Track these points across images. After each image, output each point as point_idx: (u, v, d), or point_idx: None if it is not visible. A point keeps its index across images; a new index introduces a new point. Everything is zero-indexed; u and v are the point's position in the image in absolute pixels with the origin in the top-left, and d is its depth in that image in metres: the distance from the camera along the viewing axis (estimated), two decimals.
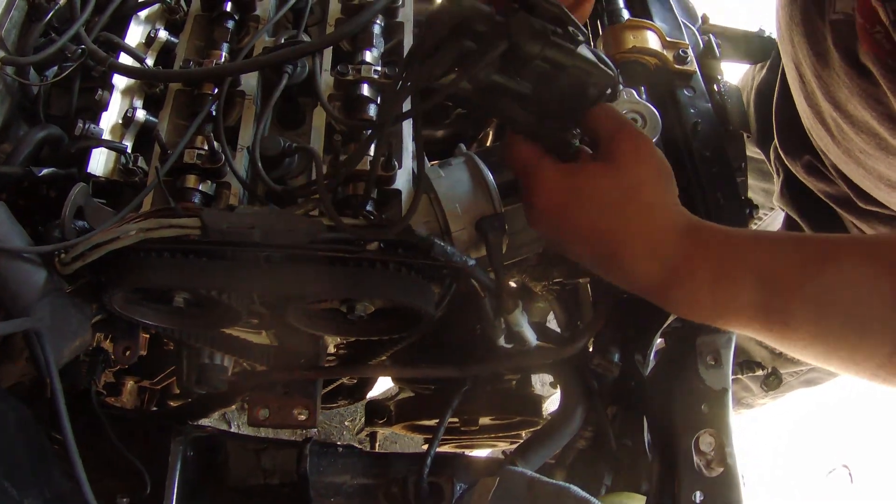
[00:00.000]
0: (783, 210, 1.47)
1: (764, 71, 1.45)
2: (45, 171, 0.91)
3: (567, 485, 0.94)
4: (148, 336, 1.28)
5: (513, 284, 1.29)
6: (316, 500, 1.07)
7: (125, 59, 1.02)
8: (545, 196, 0.83)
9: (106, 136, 0.97)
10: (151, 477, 1.04)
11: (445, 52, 0.78)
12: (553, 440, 1.08)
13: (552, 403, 1.48)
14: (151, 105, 1.03)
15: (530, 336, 1.02)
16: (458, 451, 1.54)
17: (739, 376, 1.49)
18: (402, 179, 0.95)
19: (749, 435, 2.65)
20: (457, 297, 0.98)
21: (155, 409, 1.54)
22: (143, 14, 1.10)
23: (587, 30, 1.27)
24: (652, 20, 1.22)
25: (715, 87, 1.22)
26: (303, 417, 1.09)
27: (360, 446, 1.19)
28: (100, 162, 0.95)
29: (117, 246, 0.83)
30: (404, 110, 0.89)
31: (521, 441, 1.23)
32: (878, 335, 0.72)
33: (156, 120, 1.00)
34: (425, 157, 0.88)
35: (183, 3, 1.12)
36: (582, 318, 1.30)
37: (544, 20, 0.79)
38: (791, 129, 1.28)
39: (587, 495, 0.92)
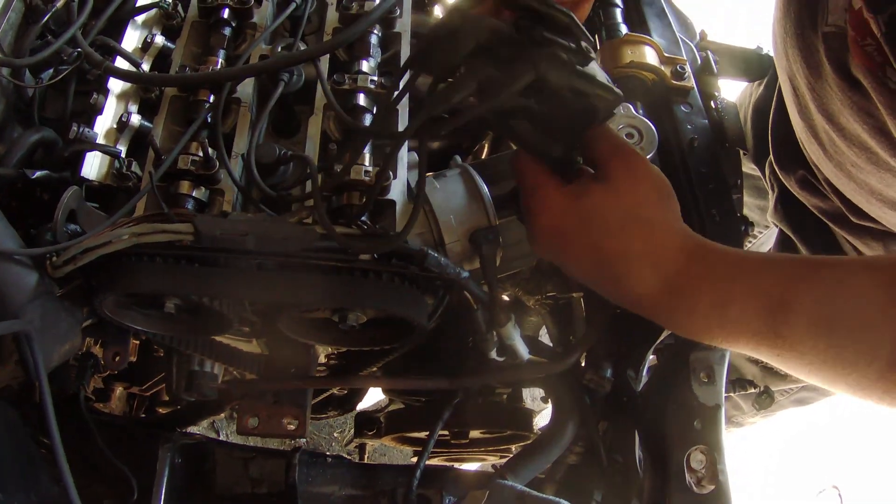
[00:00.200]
0: (777, 226, 1.47)
1: (761, 88, 1.46)
2: (38, 173, 0.91)
3: (558, 499, 0.94)
4: (138, 342, 1.27)
5: (506, 298, 1.29)
6: None
7: (121, 63, 1.02)
8: (548, 220, 0.84)
9: (100, 140, 0.97)
10: (139, 483, 1.03)
11: (467, 79, 0.77)
12: (544, 455, 1.07)
13: (543, 418, 1.47)
14: (146, 110, 1.03)
15: (522, 350, 1.01)
16: (448, 464, 1.53)
17: (731, 394, 1.49)
18: (397, 190, 0.94)
19: (739, 454, 2.64)
20: (449, 309, 0.97)
21: (144, 415, 1.54)
22: (139, 19, 1.09)
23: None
24: (650, 35, 1.22)
25: (712, 103, 1.22)
26: (292, 427, 1.08)
27: (349, 457, 1.18)
28: (93, 166, 0.95)
29: (109, 250, 0.82)
30: (409, 119, 0.88)
31: (512, 455, 1.23)
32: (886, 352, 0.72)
33: (150, 125, 1.00)
34: None
35: (180, 8, 1.11)
36: (574, 333, 1.30)
37: (555, 32, 0.78)
38: (786, 145, 1.28)
39: None
